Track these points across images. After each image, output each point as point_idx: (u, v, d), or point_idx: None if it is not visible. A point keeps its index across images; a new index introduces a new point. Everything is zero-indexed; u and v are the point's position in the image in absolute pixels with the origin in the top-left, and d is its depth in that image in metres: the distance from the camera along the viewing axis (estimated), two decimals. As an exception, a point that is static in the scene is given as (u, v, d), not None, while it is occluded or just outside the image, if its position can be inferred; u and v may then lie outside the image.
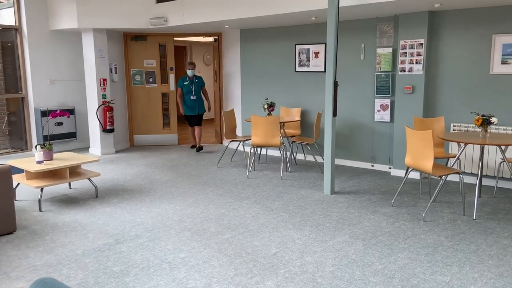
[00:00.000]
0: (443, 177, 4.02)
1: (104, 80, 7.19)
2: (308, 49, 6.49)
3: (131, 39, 7.80)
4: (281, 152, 5.82)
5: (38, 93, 7.24)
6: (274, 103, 6.10)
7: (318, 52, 6.39)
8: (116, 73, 7.45)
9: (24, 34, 7.05)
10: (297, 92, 6.72)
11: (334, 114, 4.68)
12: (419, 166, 4.08)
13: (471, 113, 5.16)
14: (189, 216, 4.15)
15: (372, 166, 6.09)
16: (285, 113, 6.75)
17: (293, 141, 6.00)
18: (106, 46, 7.16)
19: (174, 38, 8.01)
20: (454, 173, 4.07)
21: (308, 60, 6.50)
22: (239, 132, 7.66)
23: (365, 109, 6.02)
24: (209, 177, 5.69)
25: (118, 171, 6.04)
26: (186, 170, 6.08)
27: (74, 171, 4.85)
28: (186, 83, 7.23)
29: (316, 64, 6.42)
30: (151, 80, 7.98)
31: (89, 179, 4.76)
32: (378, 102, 5.86)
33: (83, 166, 6.34)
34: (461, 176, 4.10)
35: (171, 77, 8.00)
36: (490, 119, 4.17)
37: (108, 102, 7.23)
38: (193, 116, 7.41)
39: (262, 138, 5.57)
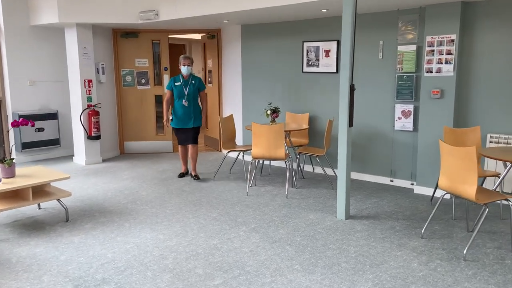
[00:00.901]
0: (488, 204, 3.22)
1: (90, 81, 6.46)
2: (318, 47, 5.70)
3: (121, 36, 7.06)
4: (286, 164, 5.04)
5: (16, 95, 6.52)
6: (278, 108, 5.32)
7: (329, 51, 5.61)
8: (103, 73, 6.71)
9: (1, 30, 6.33)
10: (305, 95, 5.95)
11: (350, 124, 3.90)
12: (458, 191, 3.28)
13: (512, 122, 4.35)
14: (173, 249, 3.39)
15: (392, 181, 5.29)
16: (291, 119, 5.98)
17: (300, 153, 5.22)
18: (92, 43, 6.42)
19: (169, 35, 7.26)
20: (502, 199, 3.28)
21: (318, 60, 5.72)
22: (239, 140, 6.90)
23: (384, 116, 5.23)
24: (203, 193, 4.93)
25: (100, 186, 5.29)
26: (177, 184, 5.32)
27: (42, 190, 4.11)
28: (179, 83, 5.40)
29: (327, 64, 5.64)
30: (143, 81, 7.24)
31: (58, 200, 4.02)
32: (399, 108, 5.07)
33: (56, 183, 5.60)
34: (511, 203, 3.30)
35: (166, 78, 7.25)
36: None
37: (94, 106, 6.49)
38: (185, 131, 5.46)
39: (265, 149, 4.80)
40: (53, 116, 6.80)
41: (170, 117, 5.57)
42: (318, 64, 5.73)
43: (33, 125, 4.03)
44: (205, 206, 4.46)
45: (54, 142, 6.85)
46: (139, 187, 5.25)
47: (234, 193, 4.96)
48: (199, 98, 5.56)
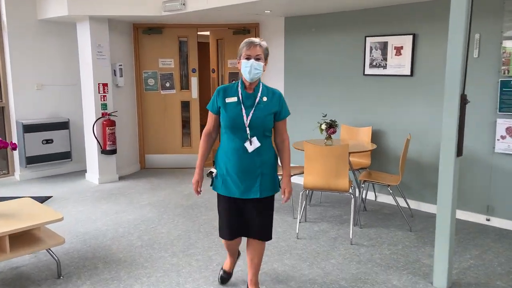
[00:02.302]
0: None
1: (105, 85, 5.46)
2: (385, 43, 4.48)
3: (143, 32, 6.04)
4: (351, 194, 3.85)
5: (21, 101, 5.59)
6: (336, 122, 4.14)
7: (401, 47, 4.37)
8: (121, 76, 5.71)
9: (3, 25, 5.43)
10: (366, 104, 4.73)
11: (459, 153, 2.67)
12: None
13: None
14: None
15: (488, 220, 4.00)
16: (348, 134, 4.77)
17: (364, 181, 4.01)
18: (108, 40, 5.42)
19: (198, 32, 6.19)
20: None
21: (385, 59, 4.49)
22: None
23: (479, 133, 3.95)
24: (240, 232, 3.81)
25: (111, 216, 4.25)
26: (207, 216, 4.22)
27: (27, 234, 3.08)
28: (234, 100, 2.55)
29: (398, 65, 4.40)
30: (168, 85, 6.20)
31: (48, 249, 2.99)
32: (503, 123, 3.78)
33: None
34: None
35: (194, 81, 6.19)
36: None
37: (109, 115, 5.49)
38: (242, 205, 2.62)
39: (322, 178, 3.62)
40: (63, 125, 5.85)
41: (213, 172, 2.84)
42: (385, 65, 4.50)
43: (14, 148, 3.00)
44: (244, 254, 3.33)
45: (65, 156, 5.90)
46: (159, 219, 4.18)
47: (280, 233, 3.81)
48: (274, 135, 2.76)
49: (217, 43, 6.18)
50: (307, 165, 3.65)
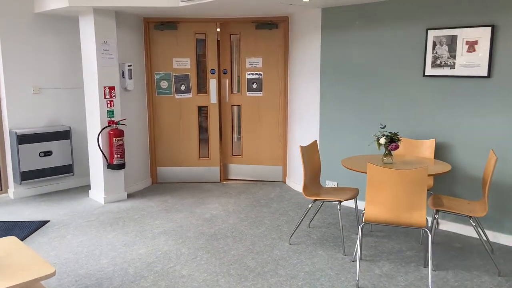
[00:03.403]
0: None
1: (112, 88, 4.69)
2: (454, 37, 3.65)
3: (155, 28, 5.27)
4: (427, 230, 3.04)
5: (15, 107, 4.84)
6: (398, 135, 3.33)
7: (475, 42, 3.54)
8: (130, 78, 4.93)
9: (-5, 20, 4.68)
10: (427, 112, 3.90)
11: None
12: None
13: None
14: None
15: None
16: (404, 148, 3.94)
17: (437, 210, 3.18)
18: (115, 37, 4.65)
19: (218, 28, 5.40)
20: None
21: (453, 57, 3.67)
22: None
23: None
24: (279, 275, 3.00)
25: (118, 251, 3.47)
26: (236, 250, 3.42)
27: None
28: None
29: (471, 63, 3.58)
30: (183, 88, 5.42)
31: (33, 312, 2.21)
32: None
33: (49, 254, 3.82)
34: None
35: (213, 84, 5.40)
36: None
37: (117, 123, 4.72)
38: None
39: (390, 210, 2.80)
40: (64, 135, 5.09)
41: None
42: (454, 63, 3.67)
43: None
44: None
45: (66, 170, 5.14)
46: (178, 255, 3.38)
47: (333, 277, 3.00)
48: None
49: (231, 38, 5.39)
50: (371, 193, 2.84)
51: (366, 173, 3.07)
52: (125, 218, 4.26)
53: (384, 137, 3.28)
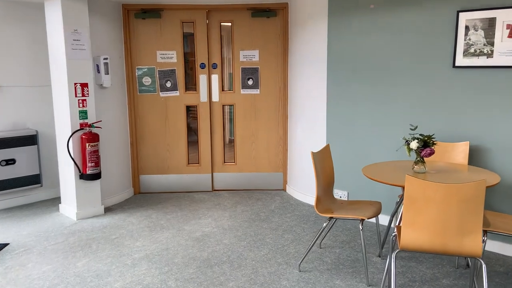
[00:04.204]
0: None
1: (84, 86, 4.00)
2: (492, 20, 3.06)
3: (136, 16, 4.59)
4: (481, 261, 2.44)
5: (-29, 108, 4.13)
6: (434, 139, 2.73)
7: (519, 25, 2.96)
8: (107, 73, 4.25)
9: None
10: (458, 109, 3.31)
11: None
12: None
13: None
14: None
15: None
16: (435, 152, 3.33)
17: (485, 231, 2.57)
18: (87, 25, 3.96)
19: (208, 14, 4.75)
20: None
21: (491, 44, 3.08)
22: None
23: None
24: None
25: (86, 283, 2.77)
26: (236, 281, 2.77)
27: None
28: None
29: (513, 51, 2.99)
30: (169, 85, 4.75)
31: None
32: None
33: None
34: None
35: (203, 80, 4.75)
36: None
37: (90, 126, 4.04)
38: None
39: (435, 235, 2.19)
40: (30, 140, 4.38)
41: None
42: (491, 52, 3.08)
43: None
44: None
45: (33, 181, 4.43)
46: (163, 289, 2.73)
47: (359, 319, 2.38)
48: None
49: (221, 28, 4.72)
50: (409, 213, 2.22)
51: (399, 186, 2.46)
52: (100, 239, 3.58)
53: (416, 140, 2.67)
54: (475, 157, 3.25)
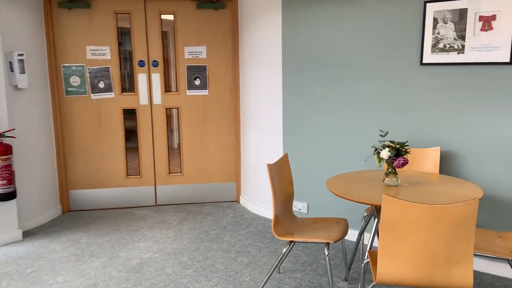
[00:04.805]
0: None
1: (-8, 86, 3.30)
2: (463, 11, 2.76)
3: (60, 5, 3.93)
4: None
5: None
6: (407, 147, 2.37)
7: (492, 17, 2.67)
8: (23, 71, 3.56)
9: None
10: (427, 111, 2.98)
11: None
12: None
13: None
14: None
15: None
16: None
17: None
18: (-5, 12, 3.28)
19: (146, 4, 4.17)
20: None
21: (462, 38, 2.78)
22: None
23: None
24: None
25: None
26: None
27: None
28: None
29: (487, 46, 2.69)
30: (102, 85, 4.13)
31: None
32: None
33: None
34: None
35: (142, 80, 4.16)
36: None
37: (1, 136, 3.34)
38: None
39: (419, 266, 1.80)
40: None
41: None
42: (462, 47, 2.78)
43: None
44: None
45: None
46: None
47: None
48: None
49: (161, 20, 4.15)
50: (387, 240, 1.81)
51: (372, 205, 2.06)
52: (13, 273, 2.92)
53: (388, 149, 2.29)
54: (446, 164, 2.94)
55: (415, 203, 1.72)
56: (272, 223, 2.41)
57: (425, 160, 2.90)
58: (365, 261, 2.15)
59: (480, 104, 2.77)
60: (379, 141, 2.49)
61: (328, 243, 2.33)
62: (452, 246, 1.75)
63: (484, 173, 2.79)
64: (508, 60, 2.62)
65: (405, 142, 2.30)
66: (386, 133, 2.37)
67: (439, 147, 2.87)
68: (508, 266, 2.75)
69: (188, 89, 4.25)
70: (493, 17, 2.65)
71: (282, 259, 3.07)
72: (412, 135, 3.04)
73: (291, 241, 2.41)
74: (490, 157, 2.76)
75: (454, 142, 2.89)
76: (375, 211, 2.32)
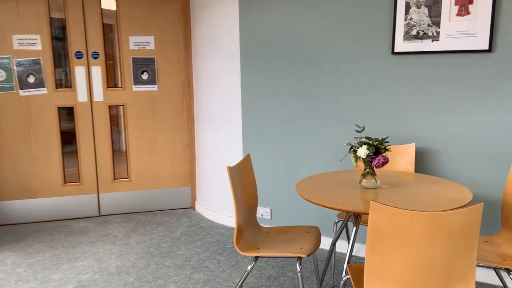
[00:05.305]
0: None
1: None
2: (437, -5, 2.53)
3: (-23, -15, 3.35)
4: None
5: None
6: (387, 143, 2.08)
7: (470, 0, 2.45)
8: None
9: None
10: (401, 105, 2.74)
11: None
12: None
13: None
14: None
15: None
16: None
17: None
18: None
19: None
20: None
21: (437, 24, 2.55)
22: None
23: None
24: None
25: None
26: None
27: None
28: None
29: (464, 33, 2.48)
30: (32, 80, 3.57)
31: None
32: None
33: None
34: None
35: (80, 74, 3.65)
36: None
37: None
38: None
39: (414, 285, 1.50)
40: None
41: None
42: (437, 33, 2.55)
43: None
44: None
45: None
46: None
47: None
48: None
49: (101, 8, 3.67)
50: (375, 256, 1.50)
51: (352, 212, 1.75)
52: None
53: (366, 146, 1.99)
54: (421, 161, 2.70)
55: (411, 211, 1.41)
56: (234, 236, 2.04)
57: (399, 158, 2.65)
58: (344, 278, 1.84)
59: (457, 96, 2.55)
60: (355, 137, 2.19)
61: (300, 258, 1.99)
62: (452, 261, 1.46)
63: (462, 172, 2.58)
64: (487, 47, 2.42)
65: (385, 138, 2.01)
66: (363, 128, 2.07)
67: (415, 144, 2.63)
68: (501, 273, 2.55)
69: (134, 84, 3.79)
70: (470, 1, 2.44)
71: (246, 277, 2.71)
72: (385, 130, 2.78)
73: (256, 257, 2.05)
74: (469, 154, 2.55)
75: (430, 138, 2.66)
76: (353, 218, 2.02)
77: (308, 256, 1.98)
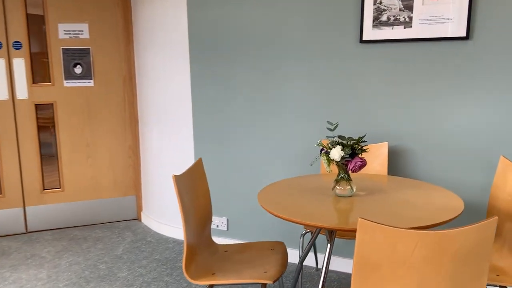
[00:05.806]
0: None
1: None
2: (409, -24, 2.27)
3: None
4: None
5: None
6: (364, 143, 1.78)
7: (444, -17, 2.21)
8: None
9: None
10: (370, 99, 2.45)
11: None
12: None
13: None
14: None
15: None
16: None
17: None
18: None
19: (3, -32, 3.10)
20: None
21: (408, 8, 2.29)
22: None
23: None
24: None
25: None
26: None
27: None
28: None
29: (438, 18, 2.23)
30: None
31: None
32: None
33: None
34: None
35: (0, 67, 3.09)
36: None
37: None
38: None
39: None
40: None
41: None
42: (410, 19, 2.29)
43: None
44: None
45: None
46: None
47: None
48: None
49: None
50: (364, 286, 1.17)
51: (325, 228, 1.42)
52: None
53: (340, 147, 1.66)
54: (393, 162, 2.44)
55: (410, 230, 1.09)
56: (184, 259, 1.65)
57: (371, 159, 2.36)
58: None
59: (432, 88, 2.30)
60: (327, 136, 1.87)
61: (265, 285, 1.63)
62: (461, 286, 1.16)
63: (437, 172, 2.34)
64: (464, 34, 2.18)
65: (362, 137, 1.70)
66: (336, 126, 1.75)
67: (387, 143, 2.35)
68: None
69: (65, 79, 3.27)
70: (445, -17, 2.20)
71: (199, 299, 2.31)
72: (354, 128, 2.49)
73: (212, 286, 1.66)
74: (445, 152, 2.31)
75: (403, 135, 2.40)
76: (327, 234, 1.69)
77: (274, 282, 1.63)
